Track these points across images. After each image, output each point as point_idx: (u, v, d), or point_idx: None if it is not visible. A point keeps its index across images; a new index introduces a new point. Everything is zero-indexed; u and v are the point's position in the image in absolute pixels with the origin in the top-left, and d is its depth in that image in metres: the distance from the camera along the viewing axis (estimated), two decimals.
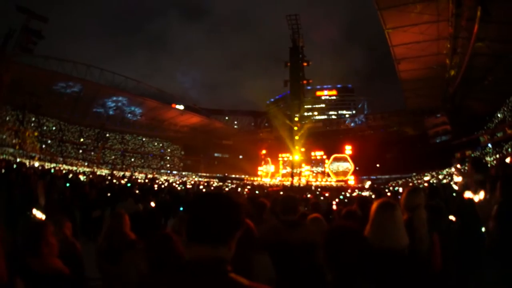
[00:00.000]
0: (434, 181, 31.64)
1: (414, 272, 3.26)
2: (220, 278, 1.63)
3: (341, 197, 23.53)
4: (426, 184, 25.82)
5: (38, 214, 5.77)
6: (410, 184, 39.16)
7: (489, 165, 14.66)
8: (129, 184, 21.40)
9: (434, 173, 48.54)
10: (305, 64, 44.53)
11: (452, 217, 6.14)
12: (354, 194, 28.46)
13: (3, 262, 1.89)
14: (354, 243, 2.44)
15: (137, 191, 15.89)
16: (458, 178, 9.27)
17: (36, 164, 36.31)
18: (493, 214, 3.81)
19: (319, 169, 75.26)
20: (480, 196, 4.98)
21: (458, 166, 9.11)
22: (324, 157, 74.69)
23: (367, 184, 51.33)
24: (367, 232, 3.29)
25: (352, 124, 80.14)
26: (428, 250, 3.91)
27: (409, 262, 3.29)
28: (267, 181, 71.98)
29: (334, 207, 11.59)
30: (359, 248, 2.43)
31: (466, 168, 7.70)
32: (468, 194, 5.23)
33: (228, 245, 1.76)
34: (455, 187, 9.06)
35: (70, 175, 25.87)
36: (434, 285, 3.79)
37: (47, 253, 3.26)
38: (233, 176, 76.98)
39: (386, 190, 24.76)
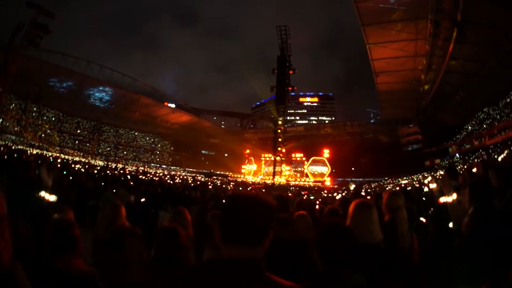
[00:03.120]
0: (409, 186, 31.95)
1: (389, 263, 3.40)
2: (258, 277, 1.61)
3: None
4: (397, 188, 26.02)
5: (47, 196, 5.65)
6: (389, 187, 39.40)
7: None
8: (125, 177, 21.36)
9: (406, 178, 48.99)
10: (291, 72, 44.49)
11: (422, 219, 6.29)
12: (336, 195, 28.49)
13: (10, 247, 1.82)
14: (345, 238, 2.51)
15: (131, 183, 15.81)
16: (433, 185, 9.37)
17: (35, 152, 36.07)
18: (467, 220, 3.89)
19: (298, 169, 75.60)
20: (451, 198, 5.11)
21: (437, 174, 9.33)
22: (304, 158, 75.01)
23: (352, 186, 51.81)
24: None
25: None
26: (409, 247, 4.02)
27: (384, 255, 3.40)
28: (249, 178, 72.10)
29: (317, 206, 11.62)
30: (349, 243, 2.49)
31: (441, 175, 7.83)
32: (443, 199, 5.34)
33: (263, 245, 1.73)
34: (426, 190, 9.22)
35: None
36: (410, 276, 3.90)
37: (75, 252, 3.07)
38: (218, 172, 76.82)
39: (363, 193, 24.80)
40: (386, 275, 3.19)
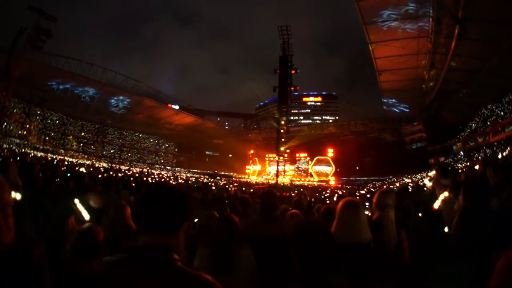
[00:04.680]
0: (411, 184, 31.87)
1: (377, 263, 3.41)
2: (167, 266, 1.69)
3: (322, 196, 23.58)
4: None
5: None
6: (387, 186, 39.45)
7: (459, 171, 14.82)
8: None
9: (410, 177, 48.95)
10: (293, 72, 44.39)
11: (420, 214, 6.31)
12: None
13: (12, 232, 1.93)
14: (321, 237, 2.49)
15: (133, 184, 15.82)
16: (429, 183, 9.36)
17: (39, 155, 36.11)
18: (456, 217, 3.87)
19: (303, 169, 75.54)
20: (443, 196, 5.13)
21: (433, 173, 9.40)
22: (308, 158, 75.04)
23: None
24: (334, 227, 3.39)
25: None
26: (396, 246, 4.01)
27: (373, 254, 3.38)
28: (253, 179, 72.10)
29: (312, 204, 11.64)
30: (325, 242, 2.47)
31: (434, 173, 7.80)
32: (437, 204, 5.34)
33: (177, 235, 1.84)
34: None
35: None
36: (399, 275, 3.91)
37: (97, 258, 3.13)
38: (222, 173, 76.93)
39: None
40: (371, 274, 3.19)
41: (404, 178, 50.58)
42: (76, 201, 5.53)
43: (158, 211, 1.82)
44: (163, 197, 1.87)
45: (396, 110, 62.87)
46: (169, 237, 1.80)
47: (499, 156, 27.24)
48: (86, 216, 5.43)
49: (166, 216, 1.81)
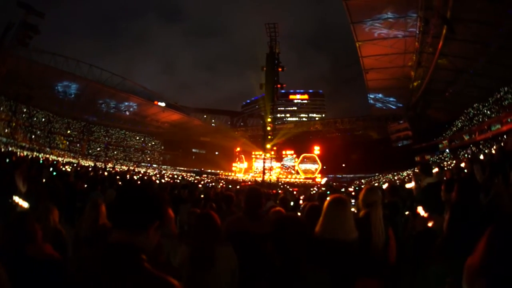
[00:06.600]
0: (397, 181, 32.04)
1: (363, 261, 3.42)
2: (131, 265, 1.73)
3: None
4: (387, 184, 26.15)
5: (20, 201, 5.62)
6: (375, 183, 39.68)
7: (445, 169, 14.88)
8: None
9: (396, 174, 49.28)
10: (280, 69, 44.35)
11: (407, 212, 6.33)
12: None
13: None
14: (296, 230, 2.59)
15: (119, 183, 15.79)
16: (410, 184, 9.40)
17: (25, 153, 35.73)
18: (447, 214, 3.85)
19: (289, 166, 75.74)
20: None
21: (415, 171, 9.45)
22: (294, 156, 75.26)
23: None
24: (320, 224, 3.42)
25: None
26: (384, 244, 3.99)
27: (359, 252, 3.39)
28: (240, 176, 72.24)
29: (301, 201, 11.68)
30: (300, 235, 2.58)
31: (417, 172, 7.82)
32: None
33: (146, 234, 1.86)
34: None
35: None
36: (385, 273, 3.91)
37: (40, 239, 3.24)
38: (209, 170, 77.08)
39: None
40: (357, 272, 3.22)
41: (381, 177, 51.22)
42: (14, 197, 5.57)
43: (125, 208, 1.88)
44: (131, 195, 1.93)
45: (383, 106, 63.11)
46: (138, 235, 1.83)
47: (485, 154, 27.45)
48: (25, 204, 5.43)
49: (133, 214, 1.86)
